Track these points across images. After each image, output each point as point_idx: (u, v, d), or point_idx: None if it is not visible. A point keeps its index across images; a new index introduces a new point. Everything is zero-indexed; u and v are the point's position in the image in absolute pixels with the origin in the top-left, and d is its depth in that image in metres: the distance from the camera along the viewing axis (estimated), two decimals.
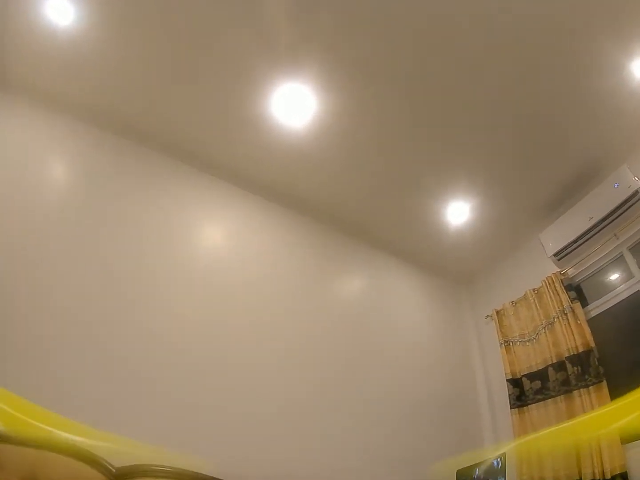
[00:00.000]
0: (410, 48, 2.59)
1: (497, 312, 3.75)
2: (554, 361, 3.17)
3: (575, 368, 2.98)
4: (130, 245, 2.72)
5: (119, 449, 1.97)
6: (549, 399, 3.14)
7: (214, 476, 2.14)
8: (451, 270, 4.22)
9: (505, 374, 3.48)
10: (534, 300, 3.45)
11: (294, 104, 2.90)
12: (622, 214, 2.97)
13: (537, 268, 3.51)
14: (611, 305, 3.11)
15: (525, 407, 3.29)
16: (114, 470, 1.86)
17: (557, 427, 2.98)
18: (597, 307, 3.19)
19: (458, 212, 3.61)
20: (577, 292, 3.27)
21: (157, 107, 2.93)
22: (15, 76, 2.67)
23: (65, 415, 1.85)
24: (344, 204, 3.63)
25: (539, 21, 2.45)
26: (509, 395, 3.39)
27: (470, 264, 4.14)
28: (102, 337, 2.32)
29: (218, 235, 3.25)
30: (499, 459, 2.79)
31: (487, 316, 3.86)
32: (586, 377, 2.91)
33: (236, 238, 3.27)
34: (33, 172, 2.60)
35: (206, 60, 2.66)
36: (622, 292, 3.05)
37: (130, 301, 2.53)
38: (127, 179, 2.97)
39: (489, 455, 2.95)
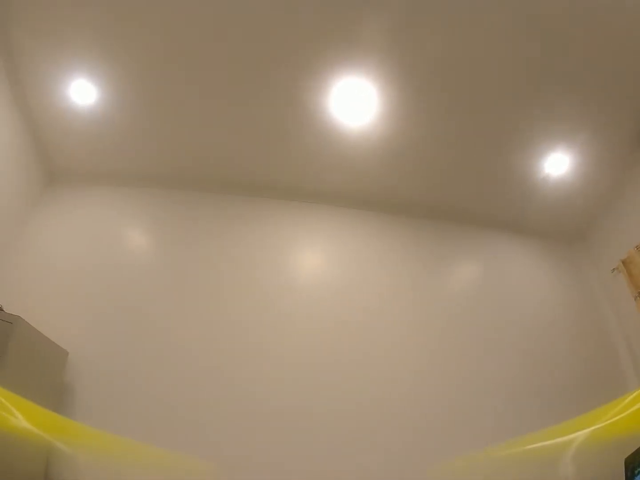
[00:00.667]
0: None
1: (624, 262, 3.35)
2: None
3: None
4: (230, 296, 2.98)
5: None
6: None
7: None
8: (562, 229, 3.87)
9: None
10: None
11: (355, 102, 2.90)
12: None
13: None
14: None
15: None
16: None
17: None
18: None
19: (557, 163, 3.34)
20: None
21: (216, 151, 3.13)
22: (62, 168, 3.01)
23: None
24: (432, 190, 3.57)
25: None
26: None
27: (580, 217, 3.76)
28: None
29: (315, 259, 3.37)
30: None
31: (614, 269, 3.47)
32: None
33: (334, 257, 3.35)
34: (114, 251, 2.99)
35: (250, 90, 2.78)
36: None
37: (244, 350, 2.80)
38: (205, 229, 3.22)
39: None
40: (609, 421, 1.46)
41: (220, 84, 2.76)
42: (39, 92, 2.71)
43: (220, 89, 2.79)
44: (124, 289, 2.91)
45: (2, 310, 2.08)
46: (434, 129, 3.09)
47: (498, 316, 3.38)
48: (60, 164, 3.09)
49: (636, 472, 2.00)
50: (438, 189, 3.55)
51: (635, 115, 3.00)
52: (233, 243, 3.19)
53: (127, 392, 2.59)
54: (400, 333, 3.13)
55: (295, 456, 2.48)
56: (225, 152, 3.15)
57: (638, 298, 3.19)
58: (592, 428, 1.55)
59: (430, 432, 2.76)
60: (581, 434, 1.59)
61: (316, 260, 3.35)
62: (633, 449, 1.43)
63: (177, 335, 2.81)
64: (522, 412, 2.95)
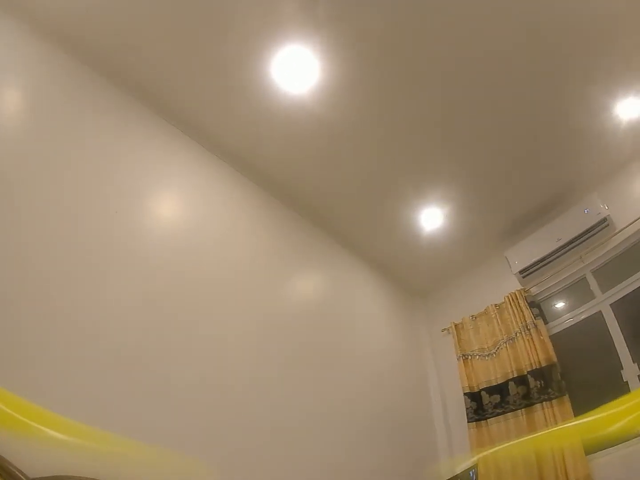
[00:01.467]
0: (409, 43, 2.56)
1: (456, 326, 3.78)
2: (515, 375, 3.24)
3: (538, 382, 3.08)
4: (70, 200, 2.19)
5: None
6: (509, 413, 3.19)
7: None
8: (411, 280, 4.21)
9: (463, 387, 3.48)
10: (496, 315, 3.53)
11: (293, 70, 2.68)
12: (589, 238, 3.18)
13: (499, 284, 3.62)
14: (572, 323, 3.27)
15: (483, 421, 3.30)
16: None
17: (518, 440, 3.03)
18: (558, 324, 3.35)
19: (431, 220, 3.64)
20: (540, 310, 3.40)
21: (142, 49, 2.58)
22: None
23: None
24: (316, 192, 3.45)
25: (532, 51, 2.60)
26: (467, 409, 3.39)
27: (431, 275, 4.16)
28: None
29: (175, 202, 2.83)
30: (472, 471, 2.74)
31: (444, 329, 3.88)
32: (549, 390, 3.02)
33: (195, 206, 2.86)
34: None
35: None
36: (584, 312, 3.22)
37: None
38: (84, 112, 2.52)
39: (457, 467, 2.89)
40: None
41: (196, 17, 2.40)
42: None
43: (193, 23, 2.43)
44: None
45: None
46: (345, 133, 3.05)
47: (332, 335, 3.32)
48: None
49: None
50: (328, 191, 3.47)
51: (519, 207, 3.58)
52: (106, 143, 2.50)
53: None
54: (232, 317, 2.70)
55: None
56: (155, 62, 2.61)
57: (461, 358, 3.59)
58: None
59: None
60: None
61: (180, 200, 2.84)
62: None
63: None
64: (330, 437, 2.87)
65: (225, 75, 2.70)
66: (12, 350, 1.64)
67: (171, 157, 2.89)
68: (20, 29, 2.36)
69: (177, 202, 2.83)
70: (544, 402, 3.01)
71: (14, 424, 1.36)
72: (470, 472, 2.73)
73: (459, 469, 2.94)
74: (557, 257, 3.29)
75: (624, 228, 3.04)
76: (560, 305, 3.46)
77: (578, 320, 3.25)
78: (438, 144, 3.14)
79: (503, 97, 2.84)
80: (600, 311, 3.11)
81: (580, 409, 2.82)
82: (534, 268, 3.39)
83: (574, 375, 3.11)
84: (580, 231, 3.17)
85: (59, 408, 1.57)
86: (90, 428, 1.64)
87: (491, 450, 3.10)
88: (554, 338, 3.25)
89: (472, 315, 3.72)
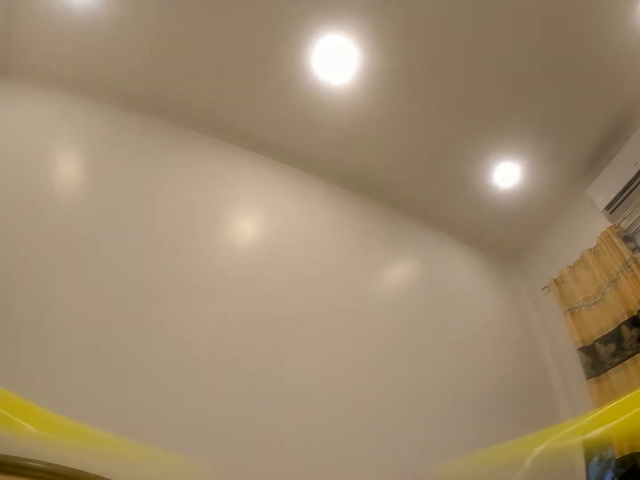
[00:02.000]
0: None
1: (555, 281, 3.56)
2: (626, 318, 2.94)
3: None
4: (150, 236, 2.54)
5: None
6: (628, 359, 2.90)
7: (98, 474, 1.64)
8: (500, 245, 4.08)
9: (575, 343, 3.25)
10: (593, 260, 3.26)
11: (334, 64, 2.85)
12: None
13: (589, 227, 3.34)
14: None
15: (602, 375, 3.05)
16: None
17: None
18: None
19: (506, 175, 3.53)
20: (634, 243, 3.09)
21: (183, 79, 2.92)
22: (18, 59, 2.63)
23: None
24: (388, 176, 3.58)
25: None
26: (583, 365, 3.15)
27: (518, 236, 3.99)
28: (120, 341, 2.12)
29: (258, 217, 3.12)
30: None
31: (544, 287, 3.67)
32: None
33: (276, 218, 3.13)
34: (48, 157, 2.52)
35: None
36: None
37: (151, 299, 2.34)
38: (145, 157, 2.85)
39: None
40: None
41: (208, 20, 2.63)
42: None
43: (207, 26, 2.65)
44: (44, 206, 2.43)
45: None
46: (402, 109, 3.13)
47: (434, 318, 3.36)
48: (21, 56, 2.65)
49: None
50: (395, 173, 3.56)
51: (587, 143, 3.31)
52: (174, 182, 2.85)
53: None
54: (328, 315, 2.89)
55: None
56: (196, 88, 2.95)
57: (567, 313, 3.36)
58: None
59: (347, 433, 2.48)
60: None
61: (258, 218, 3.12)
62: None
63: (82, 273, 2.34)
64: (446, 418, 2.88)
65: (277, 82, 2.96)
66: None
67: (243, 175, 3.18)
68: (74, 94, 2.79)
69: (259, 217, 3.12)
70: None
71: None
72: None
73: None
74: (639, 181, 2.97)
75: None
76: None
77: None
78: (498, 98, 3.09)
79: (551, 35, 2.74)
80: None
81: None
82: (619, 200, 3.08)
83: None
84: None
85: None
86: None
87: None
88: None
89: (569, 266, 3.47)
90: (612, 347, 3.03)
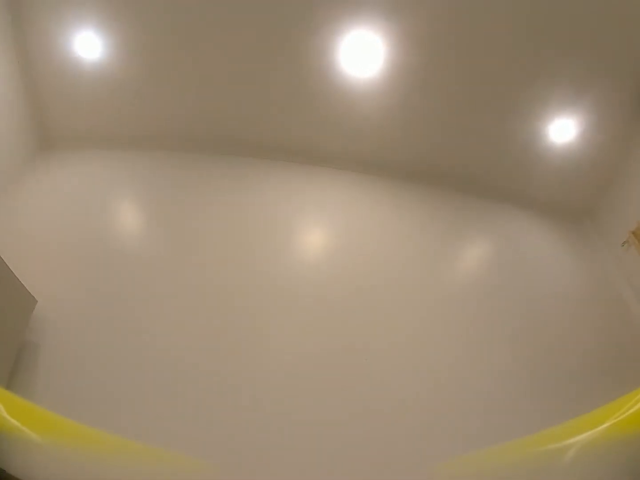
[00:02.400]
0: None
1: (634, 233, 3.23)
2: None
3: None
4: (224, 263, 2.71)
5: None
6: None
7: None
8: (570, 206, 3.75)
9: None
10: None
11: (363, 59, 2.86)
12: None
13: None
14: None
15: None
16: None
17: None
18: None
19: (561, 130, 3.27)
20: None
21: (216, 109, 3.07)
22: (55, 132, 2.93)
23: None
24: (439, 156, 3.49)
25: None
26: None
27: (586, 192, 3.63)
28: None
29: (322, 229, 3.21)
30: None
31: (624, 242, 3.33)
32: None
33: (342, 226, 3.17)
34: (105, 216, 2.79)
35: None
36: None
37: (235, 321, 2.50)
38: (203, 193, 3.02)
39: None
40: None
41: (229, 45, 2.78)
42: (40, 45, 2.68)
43: (229, 50, 2.81)
44: (111, 256, 2.69)
45: None
46: (440, 89, 3.05)
47: (513, 294, 3.16)
48: (56, 127, 2.98)
49: None
50: (444, 156, 3.46)
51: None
52: (233, 209, 3.01)
53: (101, 363, 2.25)
54: (412, 313, 2.88)
55: (291, 457, 2.09)
56: (229, 112, 3.10)
57: None
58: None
59: (442, 421, 2.41)
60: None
61: (323, 230, 3.21)
62: None
63: (164, 307, 2.55)
64: (539, 395, 2.68)
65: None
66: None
67: (302, 189, 3.28)
68: (118, 150, 3.06)
69: (324, 229, 3.23)
70: None
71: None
72: None
73: None
74: None
75: None
76: None
77: None
78: (538, 57, 2.90)
79: None
80: None
81: None
82: None
83: None
84: None
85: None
86: None
87: None
88: None
89: None
90: None
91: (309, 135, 3.27)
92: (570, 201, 3.72)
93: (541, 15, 2.67)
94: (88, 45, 2.66)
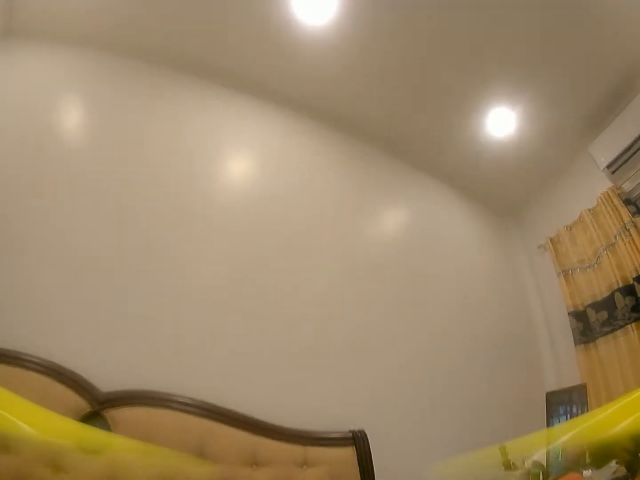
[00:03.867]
0: None
1: (552, 240, 3.41)
2: (621, 285, 2.81)
3: None
4: (149, 180, 2.58)
5: None
6: (619, 330, 2.80)
7: (226, 406, 2.00)
8: (496, 197, 3.87)
9: (567, 306, 3.16)
10: (591, 220, 3.08)
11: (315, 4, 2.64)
12: None
13: (589, 186, 3.11)
14: None
15: (591, 343, 2.98)
16: (100, 395, 1.78)
17: None
18: None
19: (501, 124, 3.25)
20: (635, 207, 2.87)
21: (171, 22, 2.79)
22: (19, 18, 2.62)
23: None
24: (381, 116, 3.35)
25: None
26: (572, 330, 3.09)
27: (516, 189, 3.77)
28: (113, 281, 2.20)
29: (245, 158, 3.06)
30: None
31: (540, 246, 3.52)
32: None
33: (267, 160, 3.05)
34: (48, 108, 2.55)
35: None
36: None
37: (146, 239, 2.40)
38: (140, 99, 2.85)
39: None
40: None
41: None
42: None
43: None
44: (46, 146, 2.43)
45: None
46: (393, 48, 2.86)
47: (424, 267, 3.29)
48: (21, 15, 2.61)
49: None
50: (387, 116, 3.34)
51: (592, 97, 2.99)
52: (164, 121, 2.84)
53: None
54: (322, 262, 2.89)
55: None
56: (185, 30, 2.84)
57: (562, 274, 3.25)
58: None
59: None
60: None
61: (247, 159, 3.06)
62: None
63: (82, 210, 2.34)
64: (433, 366, 2.93)
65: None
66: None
67: (236, 116, 3.09)
68: (75, 47, 2.77)
69: (254, 159, 3.06)
70: None
71: None
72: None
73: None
74: None
75: None
76: None
77: None
78: (493, 37, 2.77)
79: None
80: None
81: None
82: (622, 159, 2.82)
83: None
84: None
85: None
86: None
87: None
88: None
89: (567, 226, 3.29)
90: (603, 314, 2.94)
91: (255, 66, 3.04)
92: (499, 193, 3.85)
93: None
94: None
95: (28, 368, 1.67)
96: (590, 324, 3.02)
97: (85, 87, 2.72)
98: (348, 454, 2.12)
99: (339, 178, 3.26)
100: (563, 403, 2.30)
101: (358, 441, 2.17)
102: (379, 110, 3.30)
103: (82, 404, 1.71)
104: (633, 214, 2.81)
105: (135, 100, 2.79)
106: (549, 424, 2.15)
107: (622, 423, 1.28)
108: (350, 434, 2.21)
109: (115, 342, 2.01)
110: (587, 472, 1.46)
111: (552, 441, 1.87)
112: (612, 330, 2.84)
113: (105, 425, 1.72)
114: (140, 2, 2.65)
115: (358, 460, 2.10)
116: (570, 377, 2.99)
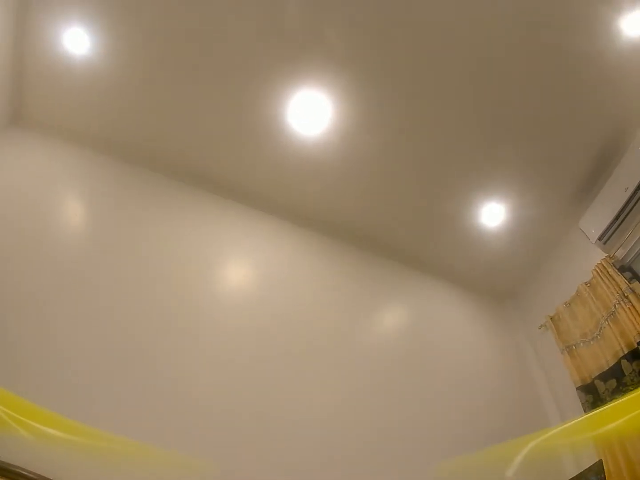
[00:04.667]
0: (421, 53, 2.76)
1: (552, 318, 3.42)
2: (626, 351, 2.76)
3: None
4: (144, 284, 2.65)
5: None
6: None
7: None
8: (494, 284, 4.00)
9: (574, 382, 3.05)
10: (589, 294, 3.14)
11: (310, 115, 3.01)
12: None
13: (583, 260, 3.27)
14: None
15: None
16: None
17: None
18: None
19: (492, 215, 3.52)
20: (634, 273, 2.99)
21: (171, 132, 3.11)
22: (29, 111, 2.94)
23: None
24: (374, 222, 3.62)
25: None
26: (582, 404, 2.95)
27: (512, 274, 3.91)
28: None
29: (242, 268, 3.18)
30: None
31: (541, 326, 3.52)
32: None
33: (263, 270, 3.17)
34: (49, 203, 2.73)
35: (220, 83, 2.91)
36: None
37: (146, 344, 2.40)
38: (136, 202, 3.04)
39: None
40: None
41: (191, 77, 2.88)
42: (34, 35, 2.67)
43: (191, 83, 2.91)
44: (44, 245, 2.53)
45: None
46: (381, 157, 3.24)
47: (426, 364, 3.27)
48: (30, 107, 2.94)
49: None
50: (380, 223, 3.62)
51: (574, 177, 3.31)
52: (169, 230, 3.02)
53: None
54: (324, 367, 2.88)
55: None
56: (187, 140, 3.16)
57: (565, 351, 3.20)
58: None
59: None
60: None
61: (247, 267, 3.20)
62: None
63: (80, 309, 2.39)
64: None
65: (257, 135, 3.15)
66: None
67: (230, 224, 3.30)
68: (75, 144, 3.05)
69: (245, 264, 3.20)
70: None
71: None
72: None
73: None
74: (631, 207, 2.90)
75: None
76: None
77: None
78: (480, 142, 3.17)
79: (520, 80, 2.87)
80: None
81: None
82: (612, 229, 3.01)
83: None
84: None
85: None
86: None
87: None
88: None
89: (566, 303, 3.34)
90: (612, 383, 2.84)
91: (249, 177, 3.37)
92: (495, 281, 4.01)
93: (487, 107, 2.99)
94: (76, 40, 2.71)
95: None
96: (600, 395, 2.89)
97: (83, 185, 2.96)
98: None
99: (335, 281, 3.40)
100: None
101: None
102: (373, 215, 3.61)
103: None
104: (630, 280, 2.90)
105: (132, 203, 3.03)
106: None
107: None
108: None
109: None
110: None
111: None
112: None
113: None
114: (142, 109, 3.02)
115: None
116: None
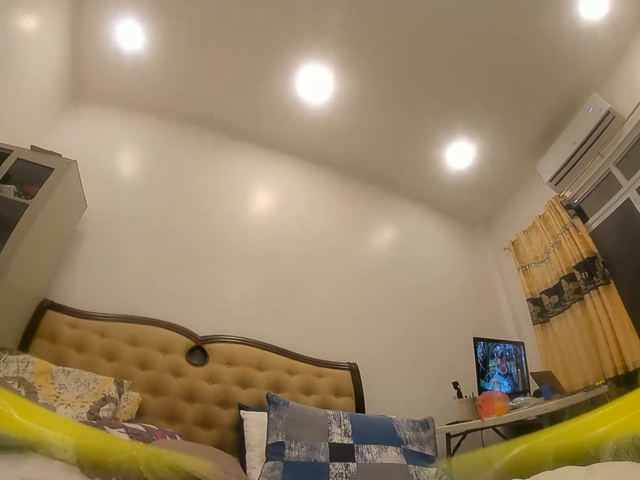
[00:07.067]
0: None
1: (513, 243, 4.21)
2: (565, 273, 3.55)
3: (583, 274, 3.33)
4: (199, 210, 3.50)
5: None
6: (567, 310, 3.51)
7: (280, 346, 2.99)
8: (468, 212, 4.79)
9: (525, 295, 3.92)
10: (541, 225, 3.87)
11: (315, 83, 3.62)
12: (600, 134, 3.33)
13: (538, 197, 3.94)
14: (607, 216, 3.48)
15: (547, 323, 3.71)
16: (199, 337, 2.78)
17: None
18: (595, 220, 3.57)
19: (464, 155, 4.16)
20: (578, 211, 3.68)
21: (212, 94, 3.77)
22: (85, 85, 3.56)
23: None
24: (369, 159, 4.31)
25: None
26: (531, 313, 3.84)
27: (484, 204, 4.67)
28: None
29: (269, 195, 3.98)
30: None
31: (505, 248, 4.32)
32: (594, 279, 3.25)
33: (282, 197, 3.97)
34: (116, 158, 3.50)
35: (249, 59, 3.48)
36: (615, 203, 3.42)
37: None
38: (190, 157, 3.78)
39: None
40: None
41: (222, 54, 3.44)
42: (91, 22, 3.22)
43: (220, 59, 3.48)
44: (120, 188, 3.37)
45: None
46: (375, 112, 3.82)
47: (411, 269, 4.12)
48: (89, 83, 3.56)
49: None
50: (374, 159, 4.28)
51: (535, 129, 3.88)
52: (207, 173, 3.76)
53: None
54: (332, 267, 3.75)
55: None
56: (219, 97, 3.78)
57: (520, 270, 4.01)
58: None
59: None
60: None
61: (272, 194, 3.98)
62: None
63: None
64: (420, 357, 3.63)
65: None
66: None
67: (261, 166, 4.05)
68: (132, 111, 3.74)
69: (271, 195, 3.99)
70: (591, 292, 3.25)
71: None
72: None
73: None
74: (578, 158, 3.49)
75: (630, 115, 3.15)
76: (595, 202, 3.64)
77: (612, 212, 3.44)
78: (454, 87, 3.61)
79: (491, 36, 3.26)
80: (629, 198, 3.28)
81: (628, 296, 3.11)
82: (561, 174, 3.64)
83: (618, 265, 3.30)
84: (590, 129, 3.34)
85: None
86: None
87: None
88: (594, 233, 3.53)
89: (524, 230, 4.10)
90: (555, 298, 3.67)
91: (274, 128, 4.03)
92: (470, 209, 4.76)
93: (466, 59, 3.40)
94: (129, 33, 3.29)
95: (159, 326, 2.72)
96: (545, 307, 3.75)
97: (143, 147, 3.67)
98: (346, 373, 3.14)
99: (338, 205, 4.19)
100: None
101: (352, 367, 3.19)
102: (368, 156, 4.26)
103: (190, 342, 2.74)
104: (572, 216, 3.59)
105: (185, 156, 3.74)
106: None
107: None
108: (347, 364, 3.20)
109: (204, 311, 3.01)
110: None
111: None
112: (562, 310, 3.57)
113: (204, 354, 2.76)
114: (187, 78, 3.61)
115: (352, 377, 3.14)
116: (532, 352, 3.68)
